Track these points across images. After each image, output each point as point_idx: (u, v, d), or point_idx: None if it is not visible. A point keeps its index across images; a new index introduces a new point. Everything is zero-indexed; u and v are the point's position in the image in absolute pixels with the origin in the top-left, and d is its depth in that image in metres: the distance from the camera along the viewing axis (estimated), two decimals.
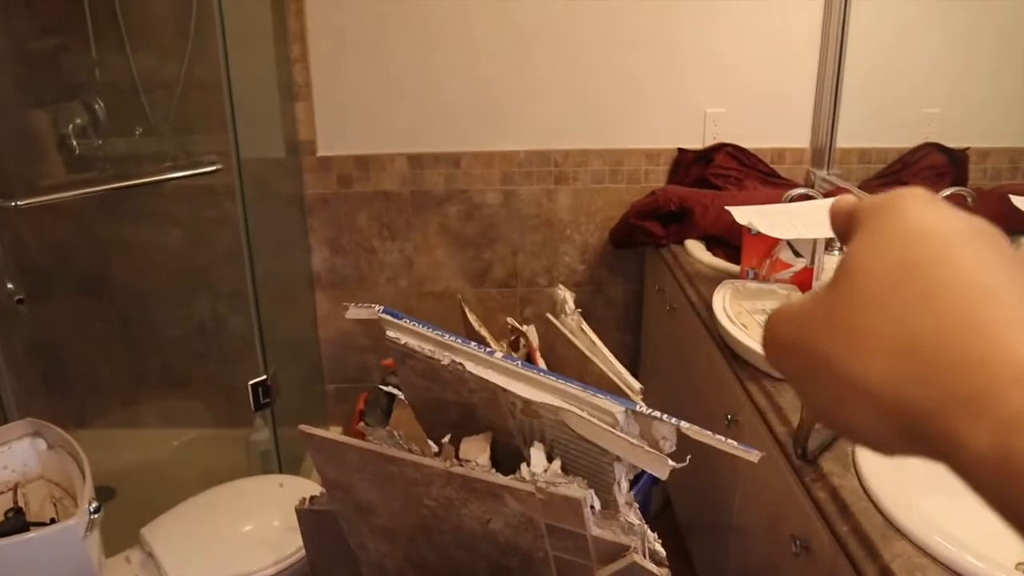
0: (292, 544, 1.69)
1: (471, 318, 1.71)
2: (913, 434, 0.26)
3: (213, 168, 2.01)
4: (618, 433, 0.90)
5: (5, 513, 1.55)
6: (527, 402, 0.97)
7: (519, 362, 0.99)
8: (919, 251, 0.28)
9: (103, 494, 2.25)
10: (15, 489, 1.65)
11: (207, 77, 2.24)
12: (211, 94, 2.20)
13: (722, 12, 2.34)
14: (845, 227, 0.32)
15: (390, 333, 1.07)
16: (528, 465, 0.96)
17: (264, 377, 2.10)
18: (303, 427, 1.06)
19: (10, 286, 2.00)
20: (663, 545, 0.99)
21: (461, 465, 0.97)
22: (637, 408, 0.92)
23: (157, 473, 2.39)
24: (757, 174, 2.41)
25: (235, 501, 1.91)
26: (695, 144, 2.46)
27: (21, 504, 1.62)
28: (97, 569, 1.52)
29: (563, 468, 0.96)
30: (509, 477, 0.95)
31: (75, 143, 2.35)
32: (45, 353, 2.46)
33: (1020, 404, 0.24)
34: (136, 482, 2.31)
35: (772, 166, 2.44)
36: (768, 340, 0.31)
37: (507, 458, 1.02)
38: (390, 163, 2.47)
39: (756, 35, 2.36)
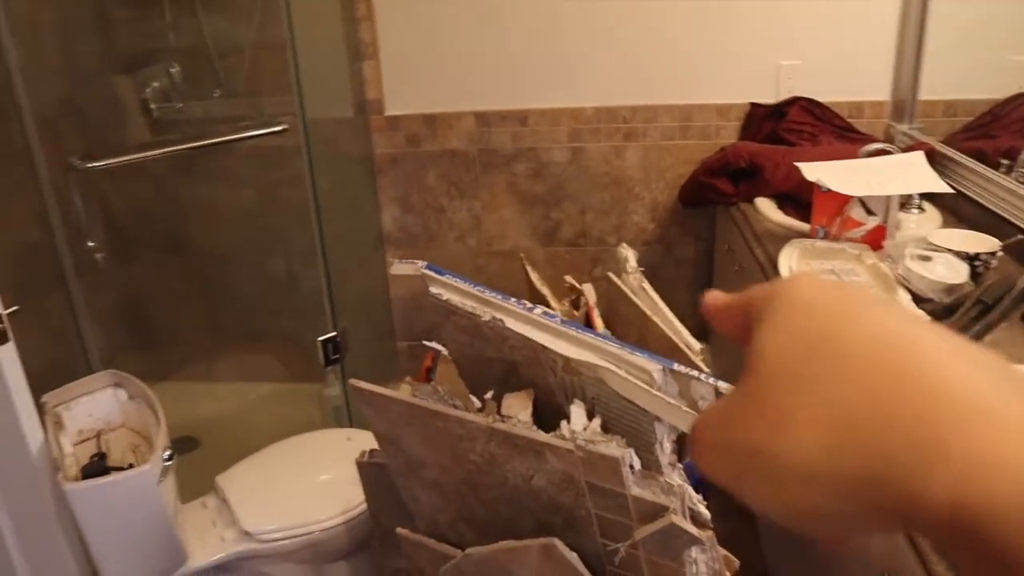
0: (357, 496, 1.74)
1: (533, 277, 1.72)
2: (875, 505, 0.24)
3: (279, 128, 2.05)
4: (654, 391, 0.90)
5: (91, 457, 1.64)
6: (567, 359, 0.97)
7: (558, 318, 0.99)
8: (822, 318, 0.27)
9: (187, 444, 2.37)
10: (98, 436, 1.74)
11: (276, 38, 2.28)
12: (280, 55, 2.24)
13: None
14: (738, 325, 0.31)
15: (433, 289, 1.08)
16: (568, 423, 0.96)
17: (334, 334, 2.15)
18: (352, 381, 1.09)
19: (90, 244, 2.10)
20: (728, 514, 0.98)
21: (503, 421, 0.98)
22: (675, 367, 0.91)
23: (236, 424, 2.49)
24: (833, 129, 2.32)
25: (304, 453, 1.98)
26: (768, 98, 2.37)
27: (104, 450, 1.71)
28: (172, 512, 1.60)
29: (604, 427, 0.96)
30: (550, 434, 0.95)
31: (154, 107, 2.43)
32: (129, 309, 2.58)
33: (966, 450, 0.22)
34: (217, 433, 2.41)
35: (849, 120, 2.35)
36: (698, 450, 0.29)
37: (549, 415, 1.02)
38: (457, 121, 2.47)
39: None
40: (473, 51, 2.41)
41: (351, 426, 2.31)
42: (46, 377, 1.71)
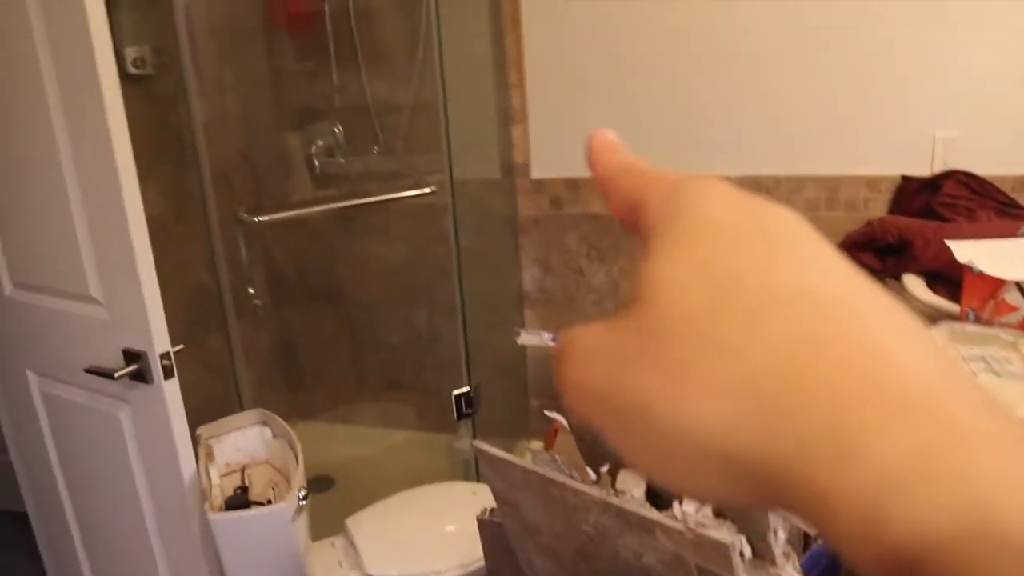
0: (476, 551, 1.77)
1: None
2: (771, 493, 0.20)
3: (427, 190, 2.16)
4: None
5: (235, 490, 1.76)
6: None
7: None
8: (733, 253, 0.22)
9: (323, 483, 2.48)
10: (243, 470, 1.86)
11: (432, 100, 2.41)
12: (435, 116, 2.37)
13: (957, 21, 2.16)
14: (626, 204, 0.27)
15: None
16: (681, 504, 0.96)
17: (467, 389, 2.22)
18: (476, 443, 1.12)
19: (251, 291, 2.26)
20: None
21: (617, 496, 0.99)
22: None
23: (369, 468, 2.59)
24: (993, 204, 2.21)
25: (431, 503, 2.03)
26: (922, 171, 2.28)
27: (247, 484, 1.82)
28: (302, 549, 1.68)
29: (717, 511, 0.95)
30: (662, 513, 0.95)
31: (318, 162, 2.61)
32: (280, 351, 2.74)
33: (893, 453, 0.18)
34: (351, 474, 2.51)
35: (1012, 195, 2.22)
36: (567, 386, 0.24)
37: (664, 494, 1.02)
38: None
39: (999, 46, 2.15)
40: (617, 117, 2.45)
41: (478, 480, 2.35)
42: (201, 411, 1.84)
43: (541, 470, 1.04)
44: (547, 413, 1.22)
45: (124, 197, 1.47)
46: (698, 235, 0.23)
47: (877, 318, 0.20)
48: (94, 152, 1.48)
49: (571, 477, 1.04)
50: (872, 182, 2.33)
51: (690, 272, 0.22)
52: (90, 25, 1.38)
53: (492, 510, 1.47)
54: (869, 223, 2.24)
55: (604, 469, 1.05)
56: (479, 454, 1.14)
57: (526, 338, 1.14)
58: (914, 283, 2.04)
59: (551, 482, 1.04)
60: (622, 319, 0.23)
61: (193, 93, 2.06)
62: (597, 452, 1.11)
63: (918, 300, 1.97)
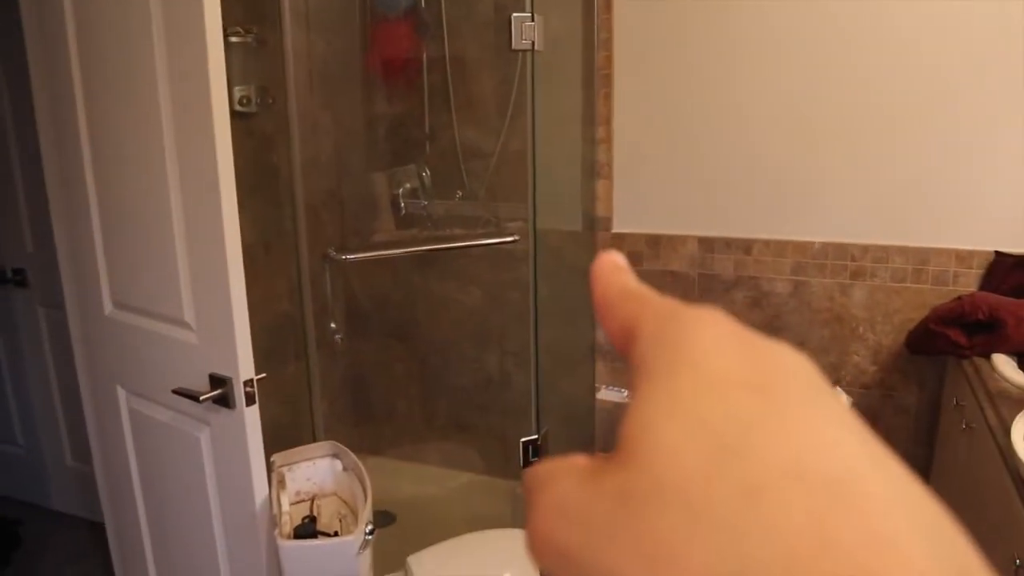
0: None
1: None
2: None
3: (510, 239, 2.19)
4: None
5: (303, 519, 1.79)
6: None
7: None
8: (734, 416, 0.19)
9: (385, 518, 2.51)
10: (312, 500, 1.90)
11: (519, 152, 2.46)
12: (521, 166, 2.42)
13: None
14: (621, 330, 0.25)
15: None
16: None
17: (535, 436, 2.22)
18: None
19: (332, 325, 2.32)
20: None
21: None
22: None
23: (432, 507, 2.61)
24: None
25: (490, 548, 2.03)
26: (1017, 247, 2.23)
27: (315, 514, 1.85)
28: None
29: None
30: None
31: (403, 203, 2.68)
32: (354, 386, 2.79)
33: None
34: (413, 512, 2.53)
35: None
36: (534, 535, 0.21)
37: None
38: (681, 244, 2.52)
39: None
40: (704, 178, 2.46)
41: None
42: (274, 437, 1.89)
43: None
44: None
45: (224, 228, 1.54)
46: (696, 386, 0.20)
47: (892, 506, 0.18)
48: (200, 183, 1.56)
49: None
50: (963, 256, 2.28)
51: (686, 432, 0.19)
52: (209, 63, 1.46)
53: None
54: (959, 298, 2.18)
55: None
56: None
57: (607, 394, 1.15)
58: (1004, 363, 1.99)
59: None
60: (605, 473, 0.20)
61: (295, 133, 2.15)
62: None
63: (1008, 381, 1.91)
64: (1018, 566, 1.42)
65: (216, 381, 1.66)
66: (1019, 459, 1.49)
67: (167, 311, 1.75)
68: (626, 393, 1.14)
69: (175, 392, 1.71)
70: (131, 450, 2.02)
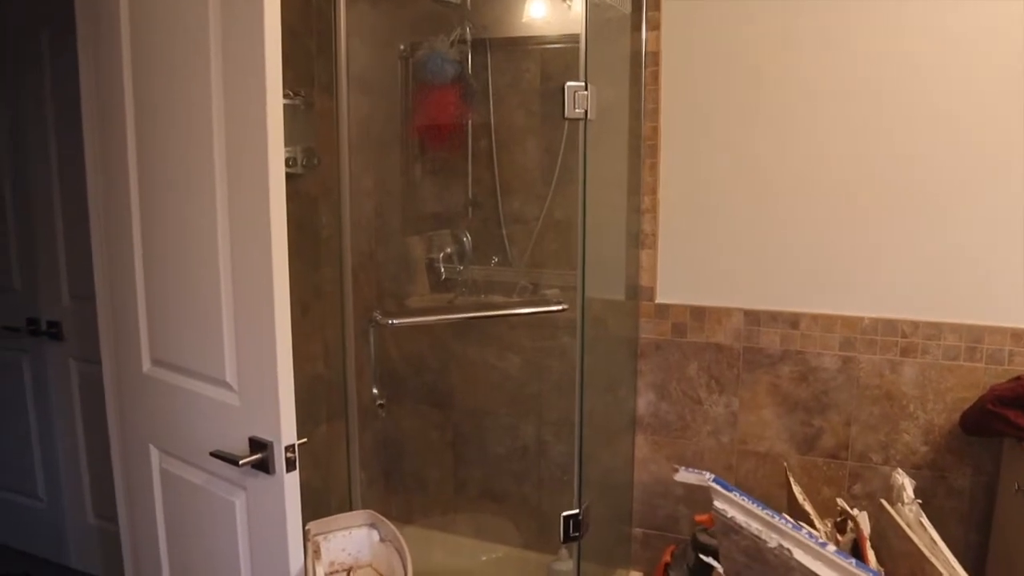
0: None
1: (796, 490, 1.63)
2: None
3: (559, 307, 2.16)
4: None
5: None
6: None
7: (853, 561, 0.93)
8: None
9: None
10: (348, 572, 1.83)
11: (562, 220, 2.45)
12: (563, 236, 2.40)
13: None
14: None
15: (717, 504, 1.05)
16: None
17: (577, 511, 2.15)
18: None
19: (375, 391, 2.27)
20: None
21: None
22: None
23: None
24: None
25: None
26: None
27: None
28: None
29: None
30: None
31: (442, 268, 2.66)
32: (388, 452, 2.73)
33: None
34: None
35: None
36: None
37: None
38: (726, 316, 2.47)
39: None
40: (749, 249, 2.43)
41: None
42: (306, 504, 1.82)
43: None
44: (704, 558, 1.15)
45: (275, 288, 1.51)
46: None
47: None
48: (251, 239, 1.54)
49: None
50: (1019, 335, 2.22)
51: None
52: (268, 120, 1.45)
53: None
54: (1019, 378, 2.12)
55: None
56: None
57: (684, 476, 1.09)
58: None
59: None
60: None
61: (346, 195, 2.14)
62: None
63: None
64: None
65: (256, 445, 1.62)
66: None
67: (208, 371, 1.71)
68: (708, 475, 1.09)
69: (213, 455, 1.66)
70: (160, 511, 1.96)
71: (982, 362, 2.26)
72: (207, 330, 1.68)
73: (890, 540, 1.50)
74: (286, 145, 2.16)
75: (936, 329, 2.29)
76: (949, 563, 1.36)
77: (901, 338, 2.32)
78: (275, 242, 1.50)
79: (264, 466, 1.61)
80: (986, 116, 2.17)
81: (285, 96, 2.09)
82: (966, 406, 2.26)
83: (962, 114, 2.19)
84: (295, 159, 2.22)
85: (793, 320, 2.41)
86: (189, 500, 1.86)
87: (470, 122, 2.59)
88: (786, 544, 0.97)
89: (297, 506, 1.63)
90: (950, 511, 2.35)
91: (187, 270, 1.72)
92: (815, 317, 2.39)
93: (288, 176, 2.20)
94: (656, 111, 2.46)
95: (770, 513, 1.01)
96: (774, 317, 2.43)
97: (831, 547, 0.95)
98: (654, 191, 2.48)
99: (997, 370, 2.24)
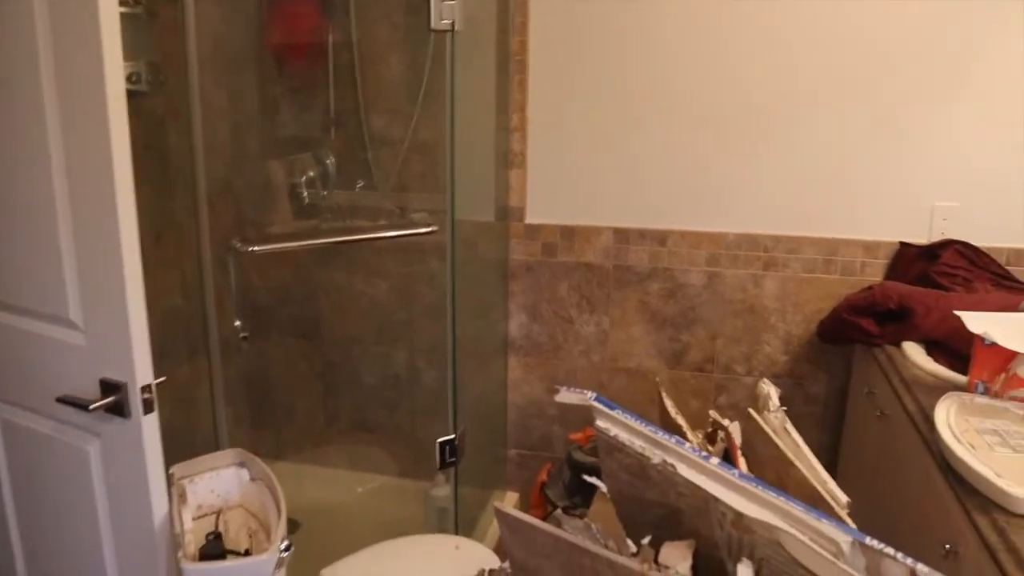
0: None
1: (668, 403, 1.66)
2: None
3: (429, 229, 2.09)
4: (841, 564, 0.82)
5: (207, 536, 1.64)
6: (739, 515, 0.91)
7: (736, 472, 0.93)
8: None
9: (290, 526, 2.35)
10: (218, 514, 1.75)
11: (429, 140, 2.36)
12: (431, 156, 2.31)
13: (959, 96, 2.20)
14: None
15: (600, 423, 1.04)
16: None
17: (453, 436, 2.13)
18: (497, 505, 1.05)
19: (237, 323, 2.15)
20: None
21: (659, 570, 0.92)
22: (867, 541, 0.84)
23: (339, 514, 2.48)
24: (989, 276, 2.22)
25: (412, 557, 1.93)
26: (919, 238, 2.30)
27: (221, 529, 1.70)
28: None
29: None
30: None
31: (304, 193, 2.53)
32: (254, 386, 2.62)
33: None
34: (319, 519, 2.39)
35: (1008, 268, 2.23)
36: None
37: (710, 570, 0.95)
38: (596, 236, 2.48)
39: (998, 121, 2.19)
40: (618, 168, 2.42)
41: (457, 531, 2.26)
42: (170, 447, 1.72)
43: (573, 538, 0.97)
44: (587, 479, 1.15)
45: (119, 215, 1.38)
46: None
47: None
48: (90, 165, 1.39)
49: (606, 547, 0.97)
50: (870, 247, 2.33)
51: None
52: (102, 32, 1.30)
53: (490, 572, 1.38)
54: (870, 288, 2.22)
55: (646, 541, 0.98)
56: (499, 516, 1.06)
57: (566, 396, 1.07)
58: (915, 351, 2.03)
59: (583, 551, 0.97)
60: None
61: (197, 114, 1.97)
62: (639, 522, 1.04)
63: (920, 368, 1.95)
64: (947, 551, 1.43)
65: (108, 387, 1.49)
66: (946, 445, 1.50)
67: (49, 308, 1.56)
68: (589, 395, 1.07)
69: (60, 400, 1.53)
70: (2, 467, 1.81)
71: (837, 274, 2.37)
72: (44, 264, 1.53)
73: (757, 447, 1.55)
74: (127, 59, 1.96)
75: (795, 243, 2.37)
76: (812, 466, 1.42)
77: (763, 252, 2.39)
78: (117, 162, 1.36)
79: (119, 409, 1.50)
80: (838, 36, 2.22)
81: (122, 3, 1.89)
82: (823, 316, 2.37)
83: (817, 35, 2.23)
84: (139, 75, 2.03)
85: (661, 237, 2.44)
86: (37, 452, 1.72)
87: (331, 35, 2.43)
88: (670, 460, 0.97)
89: (158, 450, 1.53)
90: (807, 416, 2.48)
91: (18, 199, 1.55)
92: (682, 234, 2.43)
93: (130, 93, 2.00)
94: (524, 25, 2.39)
95: (653, 429, 1.00)
96: (643, 235, 2.45)
97: (714, 460, 0.96)
98: (523, 109, 2.43)
99: (850, 280, 2.35)
